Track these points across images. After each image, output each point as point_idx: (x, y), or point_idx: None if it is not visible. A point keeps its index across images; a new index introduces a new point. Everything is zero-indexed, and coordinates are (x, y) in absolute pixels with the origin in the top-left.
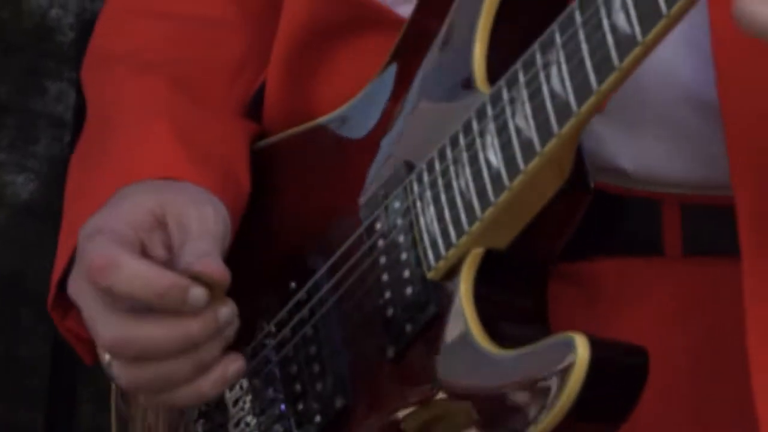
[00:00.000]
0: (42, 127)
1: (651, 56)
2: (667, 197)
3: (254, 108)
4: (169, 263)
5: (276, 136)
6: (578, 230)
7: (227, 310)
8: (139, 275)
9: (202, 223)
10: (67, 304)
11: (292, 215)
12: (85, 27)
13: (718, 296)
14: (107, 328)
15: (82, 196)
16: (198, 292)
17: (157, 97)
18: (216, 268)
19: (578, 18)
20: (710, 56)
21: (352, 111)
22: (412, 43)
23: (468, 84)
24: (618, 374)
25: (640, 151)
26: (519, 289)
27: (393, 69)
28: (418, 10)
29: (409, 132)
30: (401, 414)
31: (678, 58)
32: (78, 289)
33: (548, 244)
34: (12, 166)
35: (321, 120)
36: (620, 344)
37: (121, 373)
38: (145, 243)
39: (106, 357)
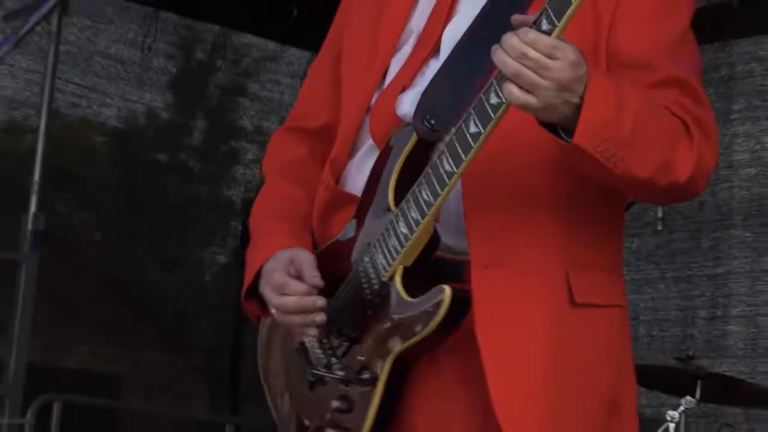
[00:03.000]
0: None
1: None
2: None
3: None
4: (298, 277)
5: (320, 246)
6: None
7: (321, 301)
8: (296, 287)
9: (305, 260)
10: (250, 299)
11: (330, 271)
12: None
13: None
14: (273, 300)
15: (253, 259)
16: (317, 299)
17: (282, 221)
18: (320, 282)
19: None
20: None
21: (349, 229)
22: (363, 205)
23: (388, 209)
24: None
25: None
26: (418, 279)
27: (362, 209)
28: (362, 197)
29: (366, 232)
30: (374, 335)
31: None
32: (263, 288)
33: (427, 263)
34: None
35: (335, 238)
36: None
37: (275, 313)
38: (289, 272)
39: (273, 310)
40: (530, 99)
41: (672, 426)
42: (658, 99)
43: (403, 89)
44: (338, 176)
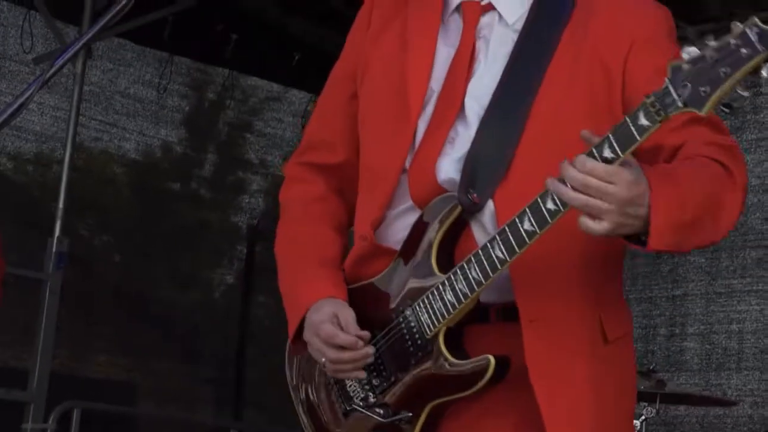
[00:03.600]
0: None
1: None
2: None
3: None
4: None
5: (352, 285)
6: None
7: (370, 350)
8: (344, 337)
9: (349, 316)
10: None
11: (361, 308)
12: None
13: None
14: (329, 354)
15: (296, 307)
16: (368, 350)
17: (319, 267)
18: (366, 334)
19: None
20: None
21: (385, 276)
22: (402, 258)
23: (432, 272)
24: (503, 365)
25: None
26: (457, 341)
27: (399, 262)
28: (400, 252)
29: (408, 288)
30: (414, 383)
31: None
32: (310, 337)
33: (467, 322)
34: None
35: (370, 280)
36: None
37: (326, 366)
38: (333, 324)
39: (322, 360)
40: (604, 225)
41: None
42: (694, 146)
43: (439, 154)
44: (376, 229)
